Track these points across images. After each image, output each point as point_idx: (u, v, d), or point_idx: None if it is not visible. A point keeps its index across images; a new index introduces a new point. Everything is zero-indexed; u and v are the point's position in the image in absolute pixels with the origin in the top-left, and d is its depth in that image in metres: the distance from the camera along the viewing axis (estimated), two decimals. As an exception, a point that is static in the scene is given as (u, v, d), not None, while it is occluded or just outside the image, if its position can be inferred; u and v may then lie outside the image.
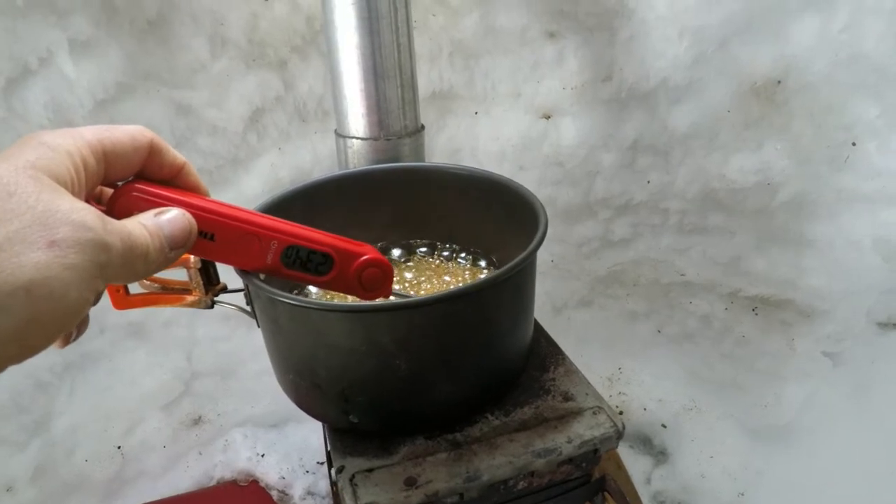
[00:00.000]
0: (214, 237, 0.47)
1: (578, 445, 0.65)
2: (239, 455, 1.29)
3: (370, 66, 0.81)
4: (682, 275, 1.28)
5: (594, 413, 0.69)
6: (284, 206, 0.73)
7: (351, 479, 0.61)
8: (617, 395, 1.39)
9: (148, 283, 0.76)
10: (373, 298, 0.57)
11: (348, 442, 0.66)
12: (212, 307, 0.76)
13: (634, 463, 1.32)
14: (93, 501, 1.23)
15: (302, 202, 0.75)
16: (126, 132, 0.39)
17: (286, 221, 0.53)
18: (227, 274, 0.64)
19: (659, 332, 1.40)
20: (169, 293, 0.76)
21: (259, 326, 0.69)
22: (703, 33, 1.02)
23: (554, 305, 1.37)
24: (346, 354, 0.58)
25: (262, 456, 1.27)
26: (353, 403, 0.62)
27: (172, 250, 0.39)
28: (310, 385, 0.63)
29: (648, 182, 1.21)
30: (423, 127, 0.89)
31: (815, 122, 1.00)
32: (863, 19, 0.93)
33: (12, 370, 0.90)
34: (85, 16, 1.03)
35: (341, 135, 0.86)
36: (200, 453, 1.29)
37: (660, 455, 1.35)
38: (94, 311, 1.03)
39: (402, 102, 0.84)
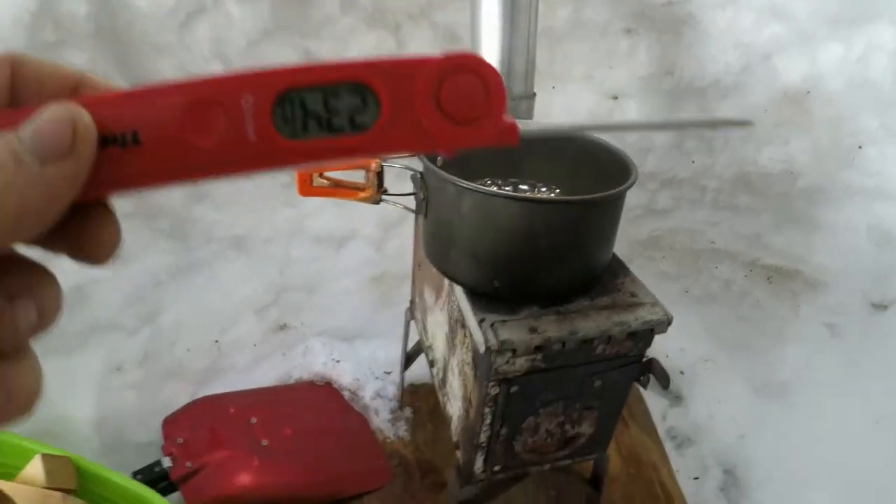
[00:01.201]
0: (139, 136, 0.31)
1: (642, 323, 1.13)
2: (316, 359, 1.75)
3: (507, 41, 1.29)
4: (713, 243, 1.80)
5: (652, 305, 1.17)
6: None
7: (492, 326, 1.09)
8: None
9: (325, 180, 1.22)
10: (472, 138, 0.35)
11: (486, 304, 1.12)
12: (378, 203, 1.23)
13: (654, 402, 1.82)
14: (189, 386, 1.67)
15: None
16: None
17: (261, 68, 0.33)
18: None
19: (686, 292, 1.91)
20: (345, 189, 1.23)
21: (425, 216, 1.16)
22: (752, 48, 1.51)
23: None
24: (507, 233, 1.05)
25: (338, 362, 1.75)
26: (500, 272, 1.09)
27: (46, 161, 0.28)
28: (469, 258, 1.10)
29: (693, 162, 1.71)
30: (535, 93, 1.38)
31: (831, 127, 1.50)
32: (872, 53, 1.43)
33: (137, 266, 1.48)
34: (250, -34, 1.50)
35: (473, 92, 1.34)
36: (284, 355, 1.76)
37: (675, 398, 1.86)
38: (205, 223, 1.53)
39: (525, 72, 1.33)
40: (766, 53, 1.52)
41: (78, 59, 1.37)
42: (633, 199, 1.82)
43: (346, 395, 1.74)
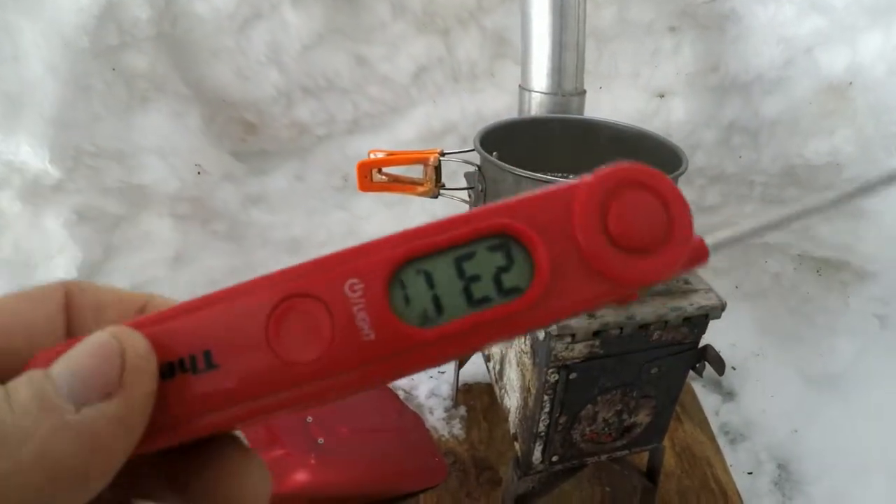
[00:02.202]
0: (213, 357, 0.26)
1: (696, 309, 1.17)
2: (369, 361, 1.80)
3: (558, 39, 1.35)
4: (761, 237, 1.81)
5: (706, 292, 1.21)
6: (498, 132, 1.27)
7: (551, 311, 1.14)
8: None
9: (383, 176, 1.28)
10: (660, 269, 0.29)
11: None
12: (436, 197, 1.29)
13: (706, 398, 1.85)
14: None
15: (507, 132, 1.29)
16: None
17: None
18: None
19: (737, 287, 1.94)
20: (403, 183, 1.29)
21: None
22: (794, 41, 1.55)
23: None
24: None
25: (391, 361, 1.79)
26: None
27: (84, 404, 0.23)
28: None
29: (740, 157, 1.74)
30: (585, 90, 1.43)
31: (875, 116, 1.52)
32: None
33: (194, 267, 1.57)
34: (302, -26, 1.57)
35: (526, 88, 1.40)
36: (339, 356, 1.81)
37: (727, 394, 1.89)
38: (260, 226, 1.60)
39: (576, 69, 1.38)
40: (808, 46, 1.55)
41: (138, 62, 1.45)
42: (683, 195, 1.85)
43: (401, 394, 1.79)
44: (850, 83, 1.54)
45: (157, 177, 1.53)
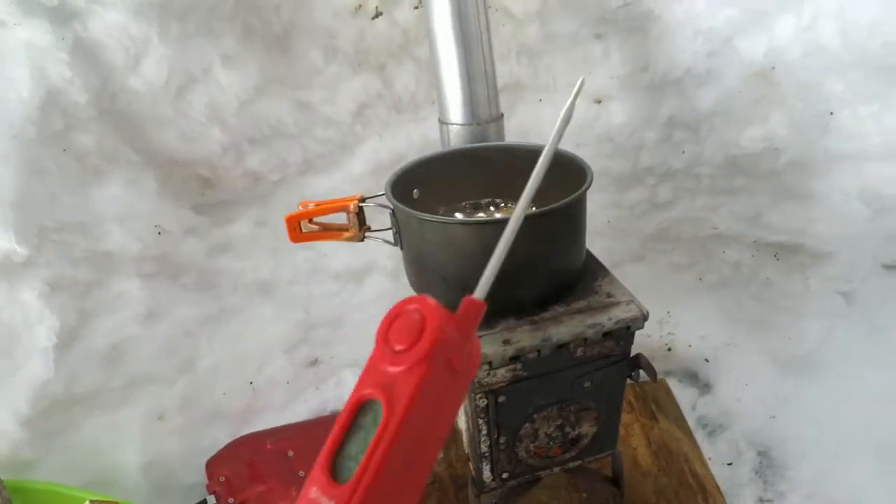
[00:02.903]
0: None
1: (615, 322, 1.20)
2: (348, 390, 1.87)
3: (465, 71, 1.40)
4: (715, 228, 1.84)
5: (627, 304, 1.24)
6: (412, 172, 1.33)
7: (469, 340, 1.20)
8: (666, 335, 1.97)
9: (314, 225, 1.35)
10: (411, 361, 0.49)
11: (464, 321, 1.24)
12: (362, 241, 1.36)
13: (682, 393, 1.88)
14: (229, 427, 1.83)
15: (423, 169, 1.35)
16: None
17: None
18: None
19: (700, 279, 1.97)
20: (330, 231, 1.36)
21: (402, 248, 1.28)
22: (713, 33, 1.57)
23: (612, 261, 1.92)
24: (469, 254, 1.14)
25: (369, 390, 1.88)
26: (470, 292, 1.20)
27: None
28: (440, 280, 1.20)
29: (683, 152, 1.76)
30: (502, 115, 1.47)
31: (802, 97, 1.54)
32: (819, 21, 1.47)
33: (167, 321, 1.69)
34: (231, 36, 1.64)
35: (443, 122, 1.45)
36: (317, 388, 1.90)
37: (704, 387, 1.92)
38: (230, 273, 1.69)
39: (487, 97, 1.43)
40: (727, 36, 1.58)
41: (86, 141, 1.55)
42: (636, 195, 1.89)
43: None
44: (773, 67, 1.57)
45: (120, 242, 1.62)
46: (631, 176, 1.86)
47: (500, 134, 1.47)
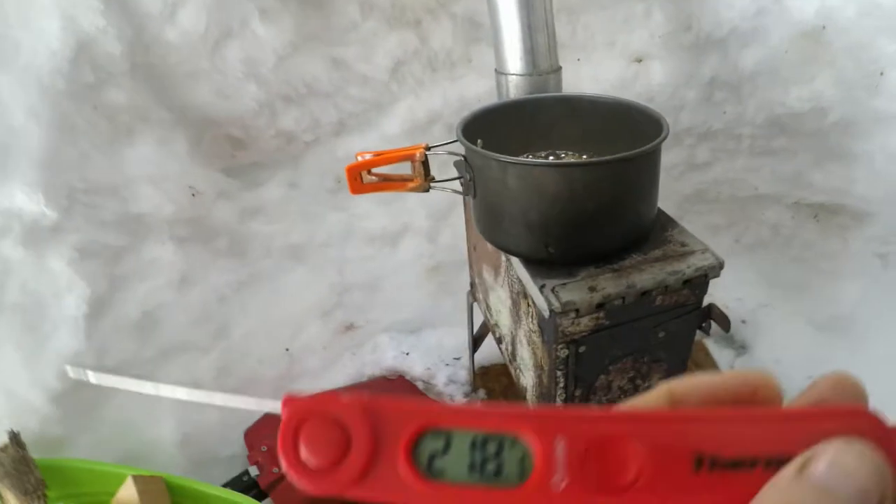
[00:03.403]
0: None
1: (694, 270, 1.20)
2: (386, 355, 1.86)
3: (526, 21, 1.38)
4: (755, 189, 1.86)
5: (703, 252, 1.24)
6: (477, 121, 1.30)
7: (553, 290, 1.17)
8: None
9: (373, 176, 1.32)
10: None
11: (542, 270, 1.21)
12: (427, 191, 1.33)
13: (720, 354, 1.89)
14: (266, 395, 1.77)
15: (487, 118, 1.33)
16: None
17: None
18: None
19: (737, 241, 1.98)
20: (392, 182, 1.33)
21: (474, 196, 1.25)
22: (764, -11, 1.61)
23: (649, 225, 1.95)
24: (553, 200, 1.13)
25: (407, 354, 1.86)
26: (553, 237, 1.17)
27: None
28: (522, 228, 1.18)
29: (724, 113, 1.77)
30: (560, 67, 1.46)
31: (852, 57, 1.55)
32: None
33: (201, 287, 1.66)
34: (268, -12, 1.60)
35: (501, 72, 1.43)
36: (353, 354, 1.87)
37: (740, 348, 1.93)
38: (262, 237, 1.65)
39: (548, 48, 1.41)
40: (777, -7, 1.60)
41: (117, 97, 1.49)
42: (673, 156, 1.89)
43: (420, 384, 1.84)
44: (824, 27, 1.58)
45: (153, 204, 1.57)
46: (670, 137, 1.86)
47: (559, 85, 1.45)
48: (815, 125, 1.68)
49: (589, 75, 1.78)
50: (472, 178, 1.24)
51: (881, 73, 1.56)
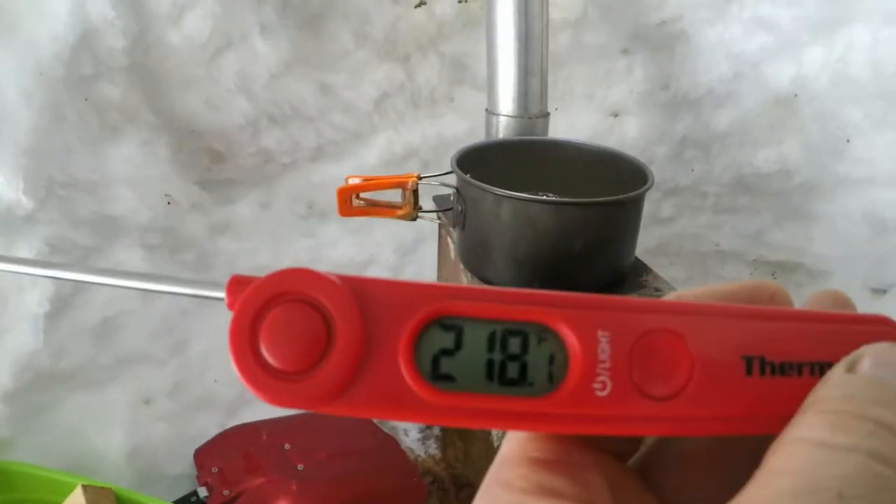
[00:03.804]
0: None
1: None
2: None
3: (523, 65, 1.43)
4: (717, 245, 1.94)
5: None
6: (470, 155, 1.34)
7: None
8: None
9: (362, 201, 1.33)
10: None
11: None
12: (414, 220, 1.35)
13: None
14: (219, 417, 1.74)
15: (479, 154, 1.36)
16: None
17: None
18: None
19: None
20: (380, 207, 1.35)
21: (463, 228, 1.28)
22: (742, 57, 1.68)
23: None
24: (544, 235, 1.16)
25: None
26: (539, 273, 1.20)
27: None
28: (510, 262, 1.21)
29: (692, 170, 1.85)
30: (549, 112, 1.51)
31: (821, 123, 1.66)
32: (851, 52, 1.61)
33: (164, 298, 1.68)
34: (271, 5, 1.61)
35: (492, 112, 1.47)
36: (311, 381, 1.85)
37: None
38: (228, 254, 1.63)
39: (540, 92, 1.46)
40: (755, 61, 1.69)
41: (111, 92, 1.48)
42: (638, 210, 1.98)
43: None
44: (796, 95, 1.68)
45: (129, 207, 1.55)
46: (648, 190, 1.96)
47: (545, 130, 1.50)
48: (780, 186, 1.78)
49: (565, 125, 1.83)
50: (463, 210, 1.27)
51: (847, 140, 1.67)
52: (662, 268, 2.06)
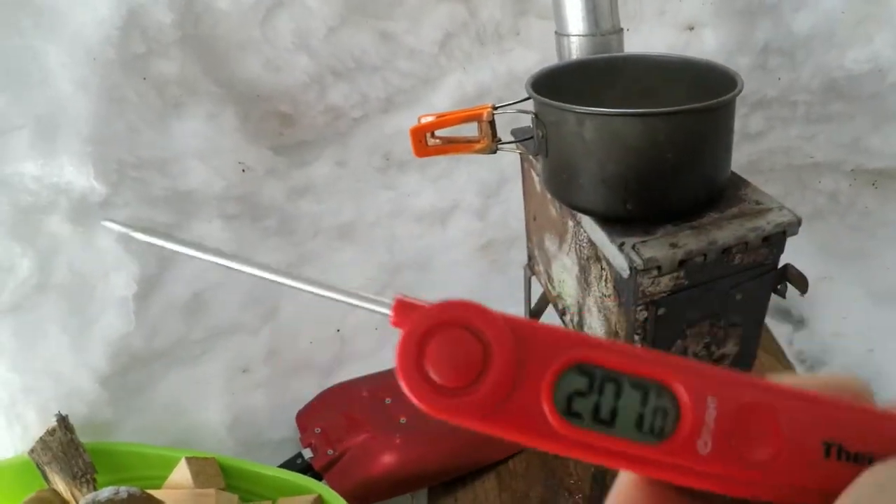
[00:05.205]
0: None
1: (774, 226, 1.16)
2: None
3: (590, -20, 1.35)
4: (811, 157, 1.83)
5: (779, 209, 1.20)
6: (545, 78, 1.27)
7: (633, 247, 1.14)
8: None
9: (437, 140, 1.28)
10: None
11: (619, 229, 1.17)
12: (495, 152, 1.29)
13: (777, 329, 1.85)
14: (316, 378, 1.74)
15: (553, 78, 1.29)
16: None
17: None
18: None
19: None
20: (458, 143, 1.29)
21: (546, 155, 1.22)
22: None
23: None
24: (633, 152, 1.09)
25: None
26: (631, 193, 1.14)
27: None
28: (599, 184, 1.15)
29: (779, 79, 1.74)
30: (622, 28, 1.43)
31: (912, 12, 1.56)
32: None
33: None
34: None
35: (562, 34, 1.40)
36: (405, 333, 1.83)
37: (798, 322, 1.89)
38: (310, 216, 1.61)
39: (610, 7, 1.38)
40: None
41: (167, 68, 1.46)
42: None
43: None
44: (882, -18, 1.56)
45: (202, 180, 1.54)
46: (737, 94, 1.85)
47: (621, 47, 1.42)
48: (874, 87, 1.66)
49: (639, 43, 1.74)
50: (544, 135, 1.21)
51: (943, 29, 1.54)
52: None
